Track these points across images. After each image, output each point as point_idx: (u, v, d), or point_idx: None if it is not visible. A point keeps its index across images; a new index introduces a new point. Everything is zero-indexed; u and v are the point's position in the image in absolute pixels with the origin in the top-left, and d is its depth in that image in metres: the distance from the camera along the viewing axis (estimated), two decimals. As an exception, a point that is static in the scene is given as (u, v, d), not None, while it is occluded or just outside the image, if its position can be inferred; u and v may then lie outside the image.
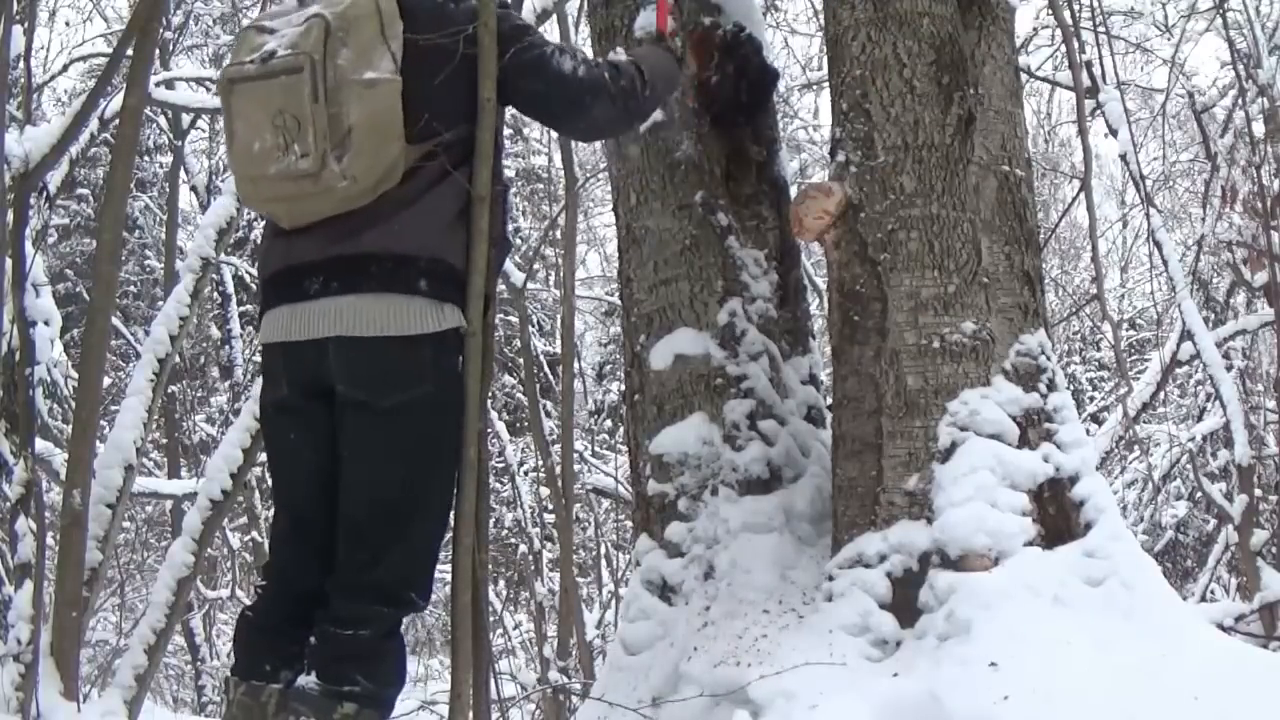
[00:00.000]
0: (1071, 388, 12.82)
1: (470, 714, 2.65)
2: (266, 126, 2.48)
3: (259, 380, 4.92)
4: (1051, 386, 3.00)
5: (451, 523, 2.66)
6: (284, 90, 2.45)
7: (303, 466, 2.62)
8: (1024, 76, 5.60)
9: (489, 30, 2.55)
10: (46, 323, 5.17)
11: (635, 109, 2.78)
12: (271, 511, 2.97)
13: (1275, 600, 5.78)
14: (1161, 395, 8.37)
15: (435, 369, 2.52)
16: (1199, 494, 8.97)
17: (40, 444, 5.45)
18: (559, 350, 10.28)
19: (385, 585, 2.53)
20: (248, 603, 2.78)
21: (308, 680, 2.50)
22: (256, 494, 9.70)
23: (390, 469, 2.52)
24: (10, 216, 4.81)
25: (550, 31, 6.93)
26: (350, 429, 2.53)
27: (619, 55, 2.82)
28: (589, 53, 3.28)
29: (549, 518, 9.55)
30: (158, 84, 6.82)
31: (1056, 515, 2.89)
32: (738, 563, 3.16)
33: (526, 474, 9.74)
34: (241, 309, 14.09)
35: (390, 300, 2.49)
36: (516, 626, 9.75)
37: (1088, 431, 7.83)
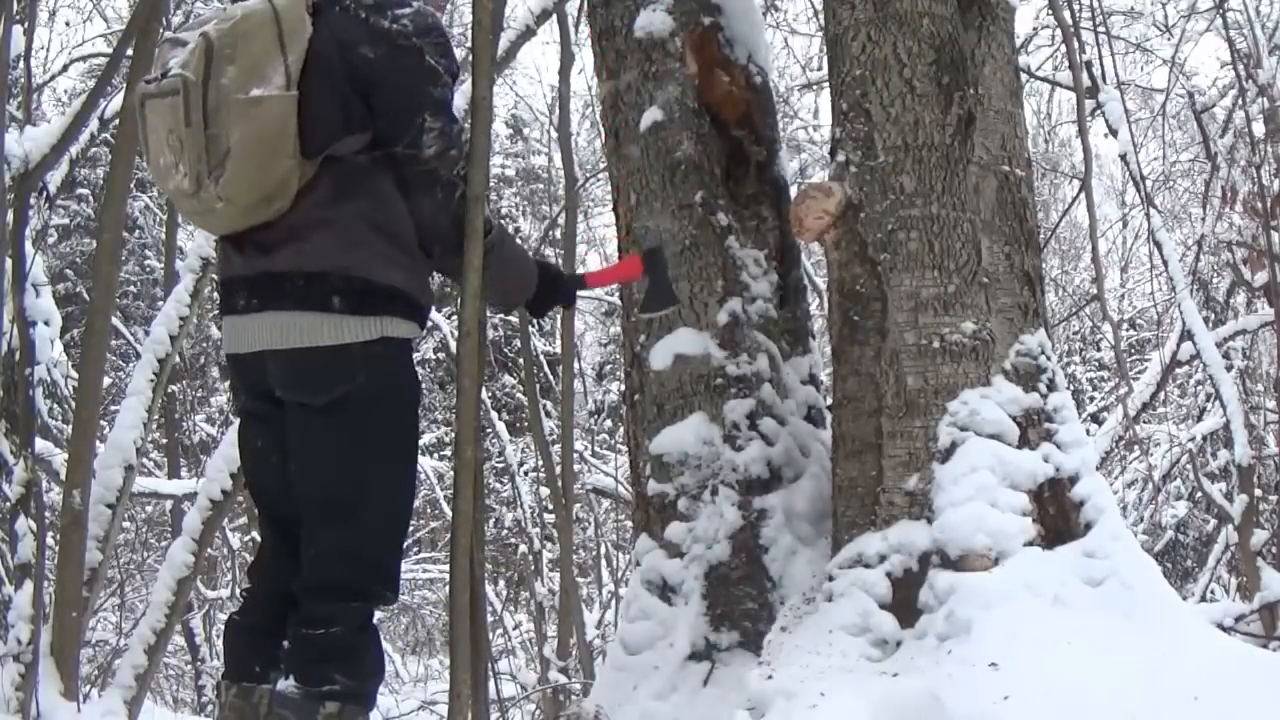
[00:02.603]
0: (1071, 388, 12.82)
1: (469, 714, 2.65)
2: (164, 143, 2.49)
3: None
4: (1051, 386, 3.00)
5: (449, 522, 2.67)
6: (171, 111, 2.46)
7: (271, 470, 2.65)
8: (1024, 76, 5.60)
9: (483, 29, 2.55)
10: (46, 323, 5.17)
11: (456, 237, 2.61)
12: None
13: (1275, 600, 5.77)
14: (1161, 395, 8.36)
15: (366, 364, 2.52)
16: (1199, 494, 8.97)
17: (40, 444, 5.44)
18: (559, 350, 10.27)
19: (344, 580, 2.53)
20: (235, 606, 2.82)
21: (287, 684, 2.50)
22: (256, 494, 9.65)
23: (328, 463, 2.53)
24: (10, 216, 4.81)
25: (550, 31, 6.93)
26: (293, 429, 2.56)
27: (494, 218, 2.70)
28: (590, 55, 3.27)
29: (549, 518, 9.54)
30: (158, 84, 6.81)
31: (1056, 515, 2.89)
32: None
33: (526, 474, 9.74)
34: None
35: (305, 316, 2.50)
36: (516, 626, 9.74)
37: (1088, 431, 7.83)
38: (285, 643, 2.56)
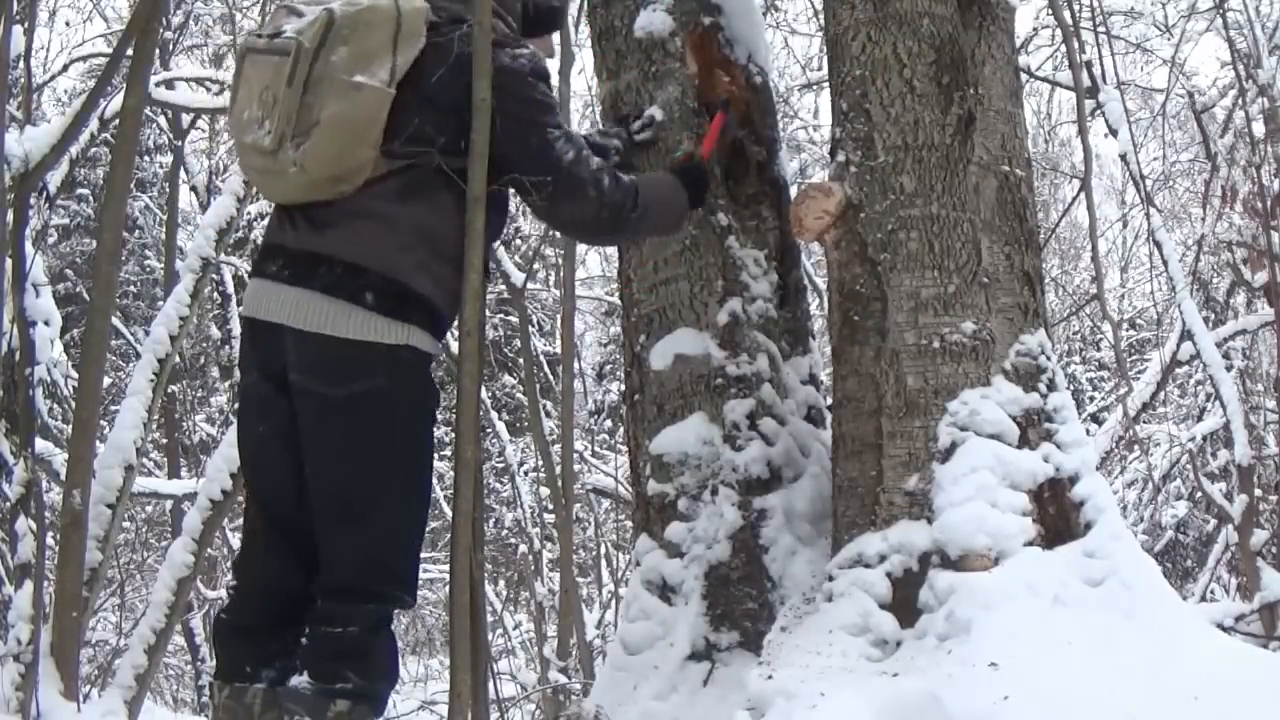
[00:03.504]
0: (1071, 388, 12.82)
1: (470, 714, 2.65)
2: (256, 98, 2.55)
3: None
4: (1051, 386, 3.00)
5: (450, 522, 2.67)
6: (274, 69, 2.52)
7: (274, 461, 2.63)
8: (1024, 76, 5.60)
9: (484, 30, 2.56)
10: (46, 323, 5.17)
11: (615, 223, 2.76)
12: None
13: (1275, 600, 5.77)
14: (1161, 395, 8.36)
15: (389, 366, 2.53)
16: (1199, 494, 8.96)
17: (40, 444, 5.44)
18: (559, 350, 10.27)
19: (357, 582, 2.54)
20: (223, 604, 2.82)
21: (300, 680, 2.52)
22: (256, 494, 9.67)
23: (344, 460, 2.53)
24: (10, 216, 4.80)
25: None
26: (306, 421, 2.55)
27: (628, 175, 2.81)
28: (590, 55, 3.28)
29: (549, 518, 9.54)
30: (158, 84, 6.82)
31: (1056, 515, 2.89)
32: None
33: (526, 474, 9.73)
34: (242, 309, 14.07)
35: (333, 304, 2.51)
36: (516, 626, 9.74)
37: (1088, 431, 7.82)
38: (303, 640, 2.57)
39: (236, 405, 2.85)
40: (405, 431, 2.56)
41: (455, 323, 2.67)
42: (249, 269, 2.71)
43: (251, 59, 2.60)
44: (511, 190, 2.74)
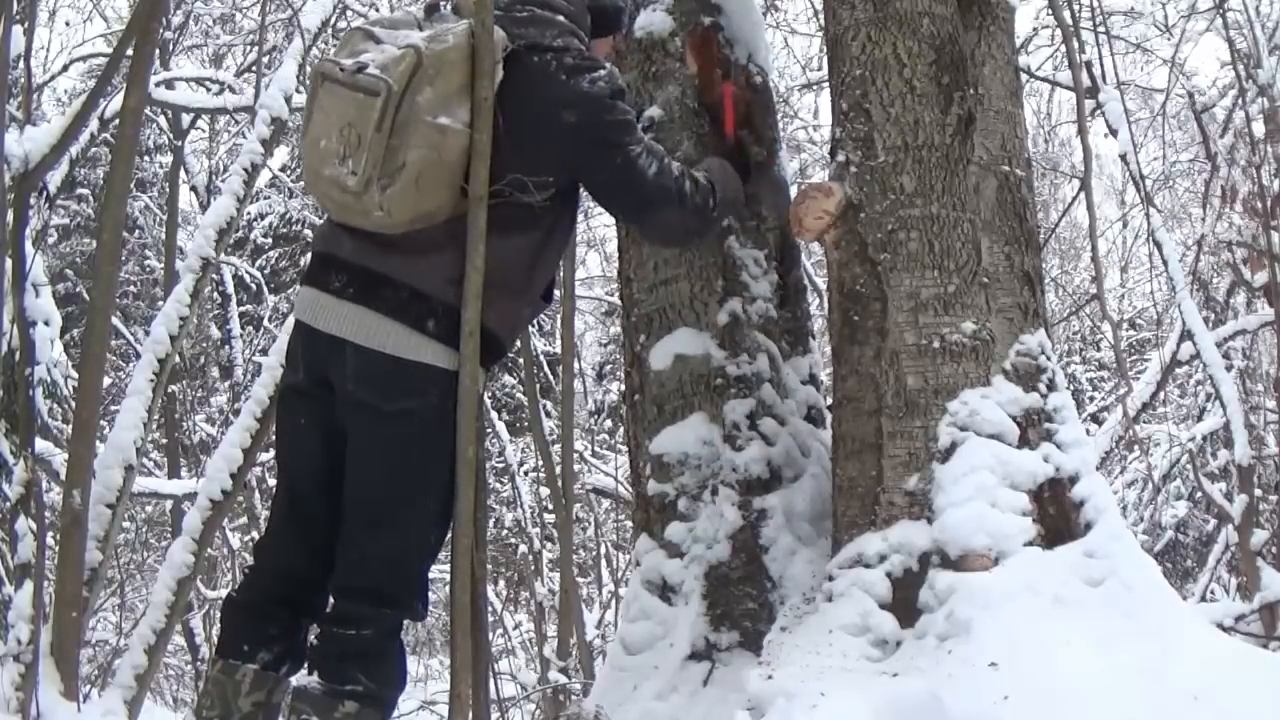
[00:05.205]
0: (1071, 388, 12.81)
1: (470, 714, 2.65)
2: (335, 131, 2.54)
3: (260, 377, 4.97)
4: (1051, 386, 3.00)
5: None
6: (358, 107, 2.51)
7: (308, 452, 2.69)
8: (1024, 76, 5.60)
9: (486, 29, 2.56)
10: (46, 323, 5.16)
11: (702, 225, 2.86)
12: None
13: (1275, 600, 5.77)
14: (1161, 395, 8.36)
15: (442, 386, 2.57)
16: (1199, 494, 8.97)
17: (40, 444, 5.43)
18: (559, 350, 10.27)
19: (380, 585, 2.57)
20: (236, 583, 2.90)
21: (310, 680, 2.56)
22: (256, 494, 9.70)
23: (385, 471, 2.57)
24: (10, 216, 4.80)
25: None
26: (354, 428, 2.59)
27: (699, 171, 2.87)
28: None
29: (549, 518, 9.53)
30: (158, 84, 6.82)
31: (1056, 515, 2.89)
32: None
33: (526, 474, 9.73)
34: (241, 309, 14.10)
35: (395, 326, 2.55)
36: (516, 626, 9.74)
37: (1088, 431, 7.82)
38: (313, 639, 2.62)
39: (279, 398, 2.90)
40: (446, 448, 2.59)
41: (510, 349, 2.73)
42: (305, 275, 2.73)
43: (329, 88, 2.58)
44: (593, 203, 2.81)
